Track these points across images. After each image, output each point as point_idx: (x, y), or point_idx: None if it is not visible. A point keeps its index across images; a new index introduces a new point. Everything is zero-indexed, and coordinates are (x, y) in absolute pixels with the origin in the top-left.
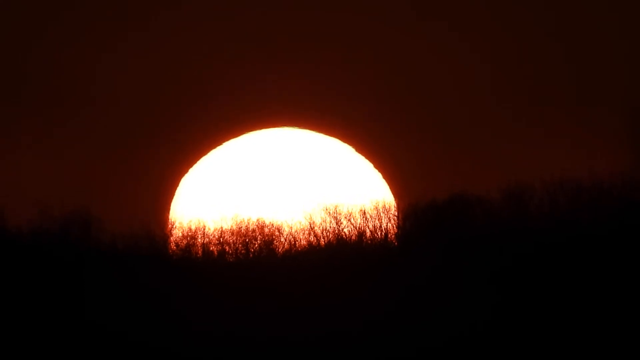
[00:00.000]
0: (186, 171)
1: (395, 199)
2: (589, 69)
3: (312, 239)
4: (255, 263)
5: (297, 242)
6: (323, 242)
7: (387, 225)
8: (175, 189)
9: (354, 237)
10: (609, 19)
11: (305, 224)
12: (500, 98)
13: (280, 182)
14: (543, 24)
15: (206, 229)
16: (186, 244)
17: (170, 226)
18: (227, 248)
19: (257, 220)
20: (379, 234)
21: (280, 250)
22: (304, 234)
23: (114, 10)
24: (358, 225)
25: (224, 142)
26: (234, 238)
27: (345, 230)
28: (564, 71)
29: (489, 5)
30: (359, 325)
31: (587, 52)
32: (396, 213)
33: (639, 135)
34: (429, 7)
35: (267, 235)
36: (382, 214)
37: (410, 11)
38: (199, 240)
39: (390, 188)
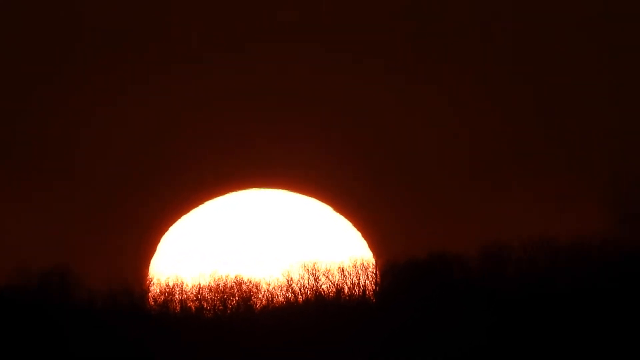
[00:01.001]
0: (166, 229)
1: (374, 257)
2: (570, 133)
3: (290, 296)
4: (233, 319)
5: (274, 299)
6: (301, 299)
7: (365, 282)
8: (156, 246)
9: (332, 294)
10: (590, 83)
11: (283, 280)
12: (480, 158)
13: (259, 240)
14: (523, 89)
15: (184, 286)
16: (164, 300)
17: (148, 282)
18: (205, 304)
19: (235, 277)
20: (356, 290)
21: (258, 306)
22: (281, 290)
23: (98, 73)
24: (336, 281)
25: (204, 201)
26: (212, 294)
27: (324, 286)
28: (544, 135)
29: (469, 70)
30: None
31: (568, 116)
32: (374, 270)
33: (618, 198)
34: (410, 70)
35: (245, 291)
36: (360, 271)
37: (391, 74)
38: (177, 296)
39: (369, 246)
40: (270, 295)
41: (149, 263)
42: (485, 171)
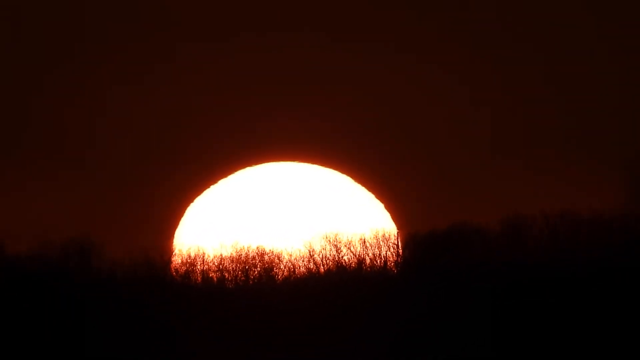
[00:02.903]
0: (192, 201)
1: (396, 228)
2: (592, 106)
3: (312, 267)
4: (255, 290)
5: (296, 270)
6: (322, 270)
7: (386, 254)
8: (181, 217)
9: (353, 265)
10: (609, 62)
11: (305, 251)
12: (502, 131)
13: (282, 212)
14: (542, 66)
15: (206, 256)
16: (185, 270)
17: (171, 253)
18: (226, 275)
19: (257, 247)
20: (378, 262)
21: (279, 277)
22: (303, 261)
23: (122, 49)
24: (358, 253)
25: (230, 174)
26: (234, 265)
27: (345, 258)
28: (566, 109)
29: (489, 50)
30: (359, 352)
31: (588, 91)
32: (396, 242)
33: (637, 172)
34: (431, 49)
35: (266, 262)
36: (381, 242)
37: (412, 53)
38: (199, 267)
39: (392, 218)
40: (292, 266)
41: (173, 234)
42: (507, 144)
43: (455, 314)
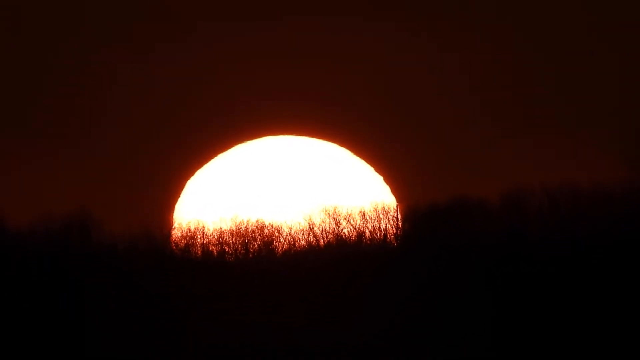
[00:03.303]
0: (192, 174)
1: (396, 202)
2: (590, 78)
3: (312, 240)
4: (255, 263)
5: (296, 243)
6: (322, 243)
7: (386, 227)
8: (181, 191)
9: (353, 238)
10: (611, 32)
11: (304, 224)
12: (502, 104)
13: (281, 185)
14: (539, 34)
15: (205, 230)
16: (185, 244)
17: (170, 227)
18: (226, 248)
19: (257, 221)
20: (378, 235)
21: (279, 250)
22: (303, 234)
23: (125, 27)
24: (357, 226)
25: (229, 148)
26: (234, 238)
27: (345, 231)
28: (565, 80)
29: (487, 24)
30: (358, 325)
31: (587, 62)
32: (396, 215)
33: (637, 142)
34: (432, 23)
35: (266, 235)
36: (381, 215)
37: (413, 25)
38: (199, 240)
39: (392, 191)
40: (291, 239)
41: (174, 208)
42: (507, 117)
43: (455, 286)
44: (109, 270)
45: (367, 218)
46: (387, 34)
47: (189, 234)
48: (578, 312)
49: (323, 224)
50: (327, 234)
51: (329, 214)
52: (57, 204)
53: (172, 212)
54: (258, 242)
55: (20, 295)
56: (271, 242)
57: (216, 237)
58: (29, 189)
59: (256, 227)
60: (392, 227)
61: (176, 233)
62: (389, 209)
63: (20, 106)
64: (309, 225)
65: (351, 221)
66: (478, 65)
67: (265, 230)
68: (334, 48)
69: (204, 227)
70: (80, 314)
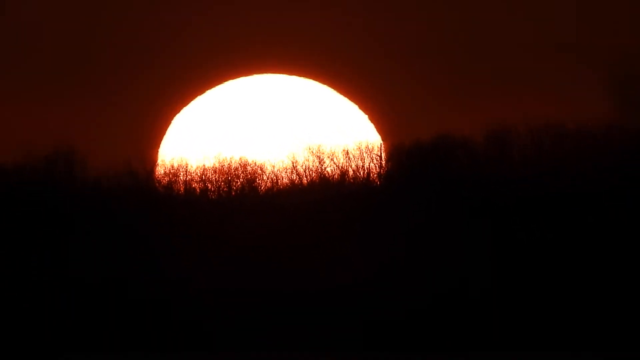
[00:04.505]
0: (178, 111)
1: (381, 140)
2: (574, 16)
3: (295, 178)
4: (238, 201)
5: (279, 181)
6: (305, 181)
7: (369, 165)
8: (166, 129)
9: (336, 177)
10: None
11: (288, 163)
12: (486, 40)
13: (265, 123)
14: None
15: (188, 167)
16: (168, 181)
17: (154, 164)
18: (209, 186)
19: (240, 158)
20: (361, 173)
21: (262, 188)
22: (286, 172)
23: None
24: (341, 164)
25: (214, 86)
26: (217, 176)
27: (328, 169)
28: (550, 19)
29: None
30: (342, 265)
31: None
32: (379, 153)
33: (622, 82)
34: None
35: (249, 173)
36: (365, 154)
37: None
38: (181, 177)
39: (376, 129)
40: (275, 177)
41: (159, 145)
42: (492, 54)
43: (439, 226)
44: (93, 207)
45: (351, 157)
46: None
47: (172, 171)
48: (565, 252)
49: (306, 163)
50: (311, 172)
51: (312, 152)
52: (42, 140)
53: (157, 149)
54: (241, 180)
55: (5, 232)
56: (254, 180)
57: (199, 174)
58: (12, 127)
59: (239, 164)
60: (376, 166)
61: (159, 170)
62: (372, 147)
63: (3, 42)
64: (292, 163)
65: (335, 159)
66: (461, 2)
67: (249, 168)
68: None
69: (187, 164)
70: (65, 250)
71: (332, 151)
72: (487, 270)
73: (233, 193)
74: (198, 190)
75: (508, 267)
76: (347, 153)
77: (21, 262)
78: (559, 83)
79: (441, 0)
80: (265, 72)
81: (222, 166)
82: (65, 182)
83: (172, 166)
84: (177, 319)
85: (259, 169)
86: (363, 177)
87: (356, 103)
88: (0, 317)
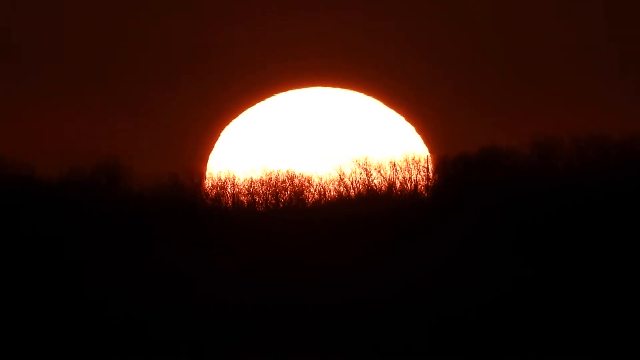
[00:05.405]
0: (227, 124)
1: (428, 152)
2: (620, 30)
3: (342, 190)
4: (285, 213)
5: (326, 193)
6: (353, 193)
7: (416, 177)
8: (215, 140)
9: (383, 189)
10: None
11: (335, 175)
12: (532, 54)
13: (313, 136)
14: None
15: (236, 180)
16: (216, 194)
17: (202, 176)
18: (257, 198)
19: (287, 171)
20: (408, 185)
21: (310, 201)
22: (333, 185)
23: None
24: (388, 176)
25: (265, 98)
26: (264, 188)
27: (375, 181)
28: (598, 32)
29: None
30: (389, 276)
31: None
32: (426, 165)
33: None
34: None
35: (297, 185)
36: (411, 165)
37: None
38: (229, 190)
39: (424, 141)
40: (322, 190)
41: (207, 157)
42: (537, 67)
43: (485, 237)
44: (137, 219)
45: (398, 168)
46: None
47: (219, 184)
48: (606, 260)
49: (354, 175)
50: (358, 184)
51: (359, 164)
52: (89, 154)
53: (206, 162)
54: (288, 192)
55: (51, 243)
56: (301, 192)
57: (246, 187)
58: (59, 139)
59: (287, 177)
60: (423, 178)
61: (207, 183)
62: (419, 159)
63: (48, 58)
64: (340, 175)
65: (382, 172)
66: (507, 15)
67: (296, 181)
68: (366, 0)
69: (234, 176)
70: (110, 261)
71: (379, 163)
72: (533, 281)
73: (280, 205)
74: (245, 202)
75: (555, 277)
76: (394, 165)
77: (68, 273)
78: (604, 95)
79: (487, 16)
80: (313, 85)
81: (269, 179)
82: (110, 195)
83: (220, 179)
84: (226, 330)
85: (306, 181)
86: (410, 189)
87: (403, 115)
88: (42, 324)
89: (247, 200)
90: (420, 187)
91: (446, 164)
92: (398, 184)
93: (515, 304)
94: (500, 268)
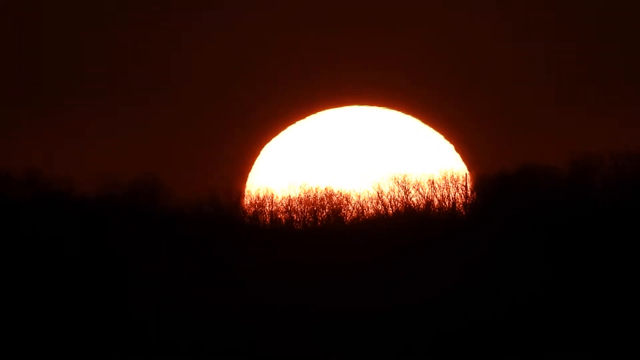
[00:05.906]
0: (267, 142)
1: (467, 170)
2: None
3: (380, 208)
4: (323, 231)
5: (364, 211)
6: (391, 211)
7: (455, 195)
8: (255, 158)
9: (421, 206)
10: None
11: (373, 193)
12: (570, 72)
13: (351, 153)
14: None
15: (274, 197)
16: (254, 211)
17: (240, 194)
18: (294, 216)
19: (325, 189)
20: (446, 203)
21: (348, 218)
22: (372, 202)
23: None
24: (426, 194)
25: (304, 117)
26: (302, 206)
27: (414, 199)
28: (635, 47)
29: None
30: (426, 293)
31: None
32: (465, 183)
33: None
34: None
35: (335, 203)
36: (450, 183)
37: None
38: (267, 208)
39: (462, 159)
40: (360, 207)
41: (247, 175)
42: (575, 85)
43: (523, 255)
44: (175, 236)
45: (436, 186)
46: (458, 6)
47: (257, 202)
48: None
49: (392, 193)
50: (396, 202)
51: (397, 182)
52: (128, 170)
53: (245, 180)
54: (326, 210)
55: (88, 260)
56: (339, 210)
57: (284, 204)
58: (97, 156)
59: (325, 195)
60: (461, 196)
61: (246, 201)
62: (457, 177)
63: (86, 73)
64: (378, 193)
65: (420, 189)
66: (546, 32)
67: (334, 198)
68: (405, 18)
69: (272, 194)
70: (147, 278)
71: (418, 181)
72: (570, 298)
73: (319, 223)
74: (284, 220)
75: (592, 294)
76: (433, 183)
77: (105, 289)
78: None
79: (523, 33)
80: (352, 104)
81: (307, 196)
82: (147, 212)
83: (258, 196)
84: (265, 344)
85: (344, 199)
86: (448, 207)
87: (442, 133)
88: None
89: (285, 218)
90: (459, 205)
91: (484, 182)
92: (436, 202)
93: (552, 324)
94: (539, 287)
